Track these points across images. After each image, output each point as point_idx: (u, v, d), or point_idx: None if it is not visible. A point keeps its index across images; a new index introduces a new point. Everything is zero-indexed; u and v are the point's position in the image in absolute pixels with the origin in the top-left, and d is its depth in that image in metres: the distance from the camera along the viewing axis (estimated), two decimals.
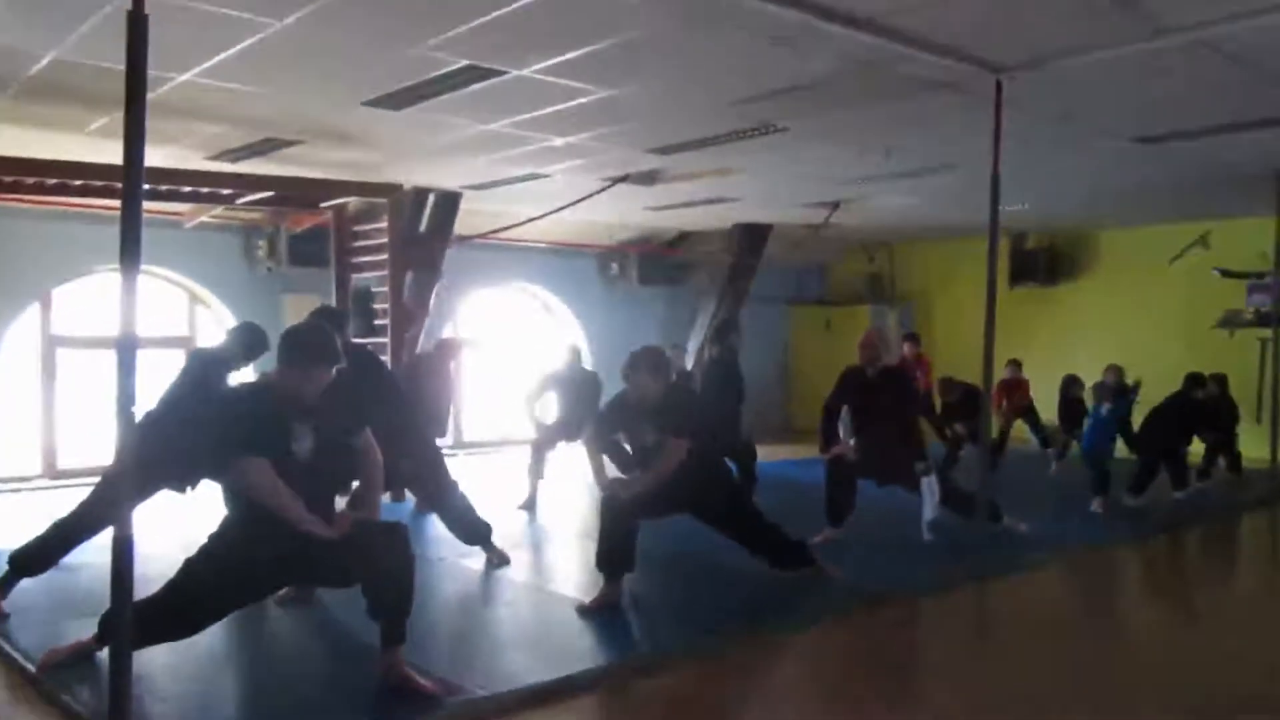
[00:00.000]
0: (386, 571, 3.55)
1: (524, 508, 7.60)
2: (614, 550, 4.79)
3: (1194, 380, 8.10)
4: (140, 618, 3.10)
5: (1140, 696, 3.88)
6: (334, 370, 3.61)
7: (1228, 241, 11.00)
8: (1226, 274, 10.89)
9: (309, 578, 4.04)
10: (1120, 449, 7.88)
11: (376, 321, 8.65)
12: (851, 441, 6.37)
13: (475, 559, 5.80)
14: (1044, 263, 12.32)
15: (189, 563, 3.56)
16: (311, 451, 3.56)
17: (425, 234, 9.38)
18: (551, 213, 9.38)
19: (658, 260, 12.55)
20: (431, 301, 9.67)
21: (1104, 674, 4.11)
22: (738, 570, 5.39)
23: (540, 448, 7.77)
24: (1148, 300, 11.66)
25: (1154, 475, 7.76)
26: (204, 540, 3.62)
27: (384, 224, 8.36)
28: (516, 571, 5.63)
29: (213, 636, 4.02)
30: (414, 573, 3.62)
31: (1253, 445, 9.56)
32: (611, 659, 4.17)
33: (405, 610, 3.61)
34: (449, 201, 9.34)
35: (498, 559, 5.76)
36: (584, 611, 4.71)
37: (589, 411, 7.67)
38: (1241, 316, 10.89)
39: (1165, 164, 7.74)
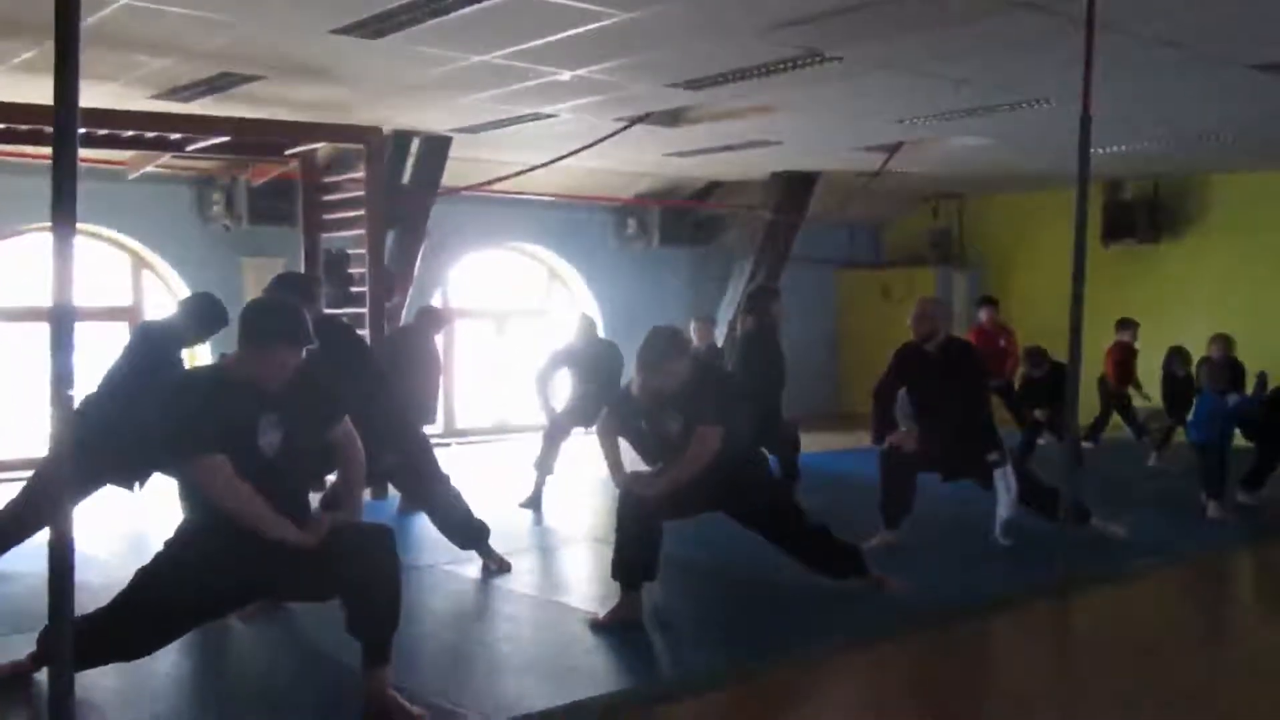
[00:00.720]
0: (369, 582, 3.58)
1: (527, 506, 7.65)
2: (633, 557, 4.82)
3: None
4: (83, 635, 3.15)
5: None
6: (303, 352, 3.63)
7: None
8: None
9: (280, 591, 4.08)
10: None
11: (353, 289, 8.67)
12: (910, 429, 6.36)
13: (470, 565, 5.85)
14: (1144, 216, 12.21)
15: (141, 573, 3.61)
16: (280, 446, 3.59)
17: (409, 186, 9.38)
18: (557, 160, 9.37)
19: (682, 216, 12.51)
20: (417, 266, 9.69)
21: (1212, 705, 4.10)
22: (777, 580, 5.40)
23: (553, 437, 7.80)
24: (1268, 260, 11.54)
25: (1274, 468, 7.72)
26: (159, 547, 3.66)
27: (360, 175, 8.36)
28: (518, 580, 5.68)
29: (167, 657, 4.07)
30: (400, 583, 3.65)
31: None
32: (628, 683, 4.20)
33: (391, 626, 3.65)
34: (436, 148, 9.32)
35: (496, 565, 5.81)
36: (597, 627, 4.75)
37: (610, 390, 7.69)
38: None
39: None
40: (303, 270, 8.76)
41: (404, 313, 9.22)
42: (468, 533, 5.77)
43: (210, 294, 5.50)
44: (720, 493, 4.90)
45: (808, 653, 4.55)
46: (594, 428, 7.07)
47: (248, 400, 3.57)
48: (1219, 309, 11.49)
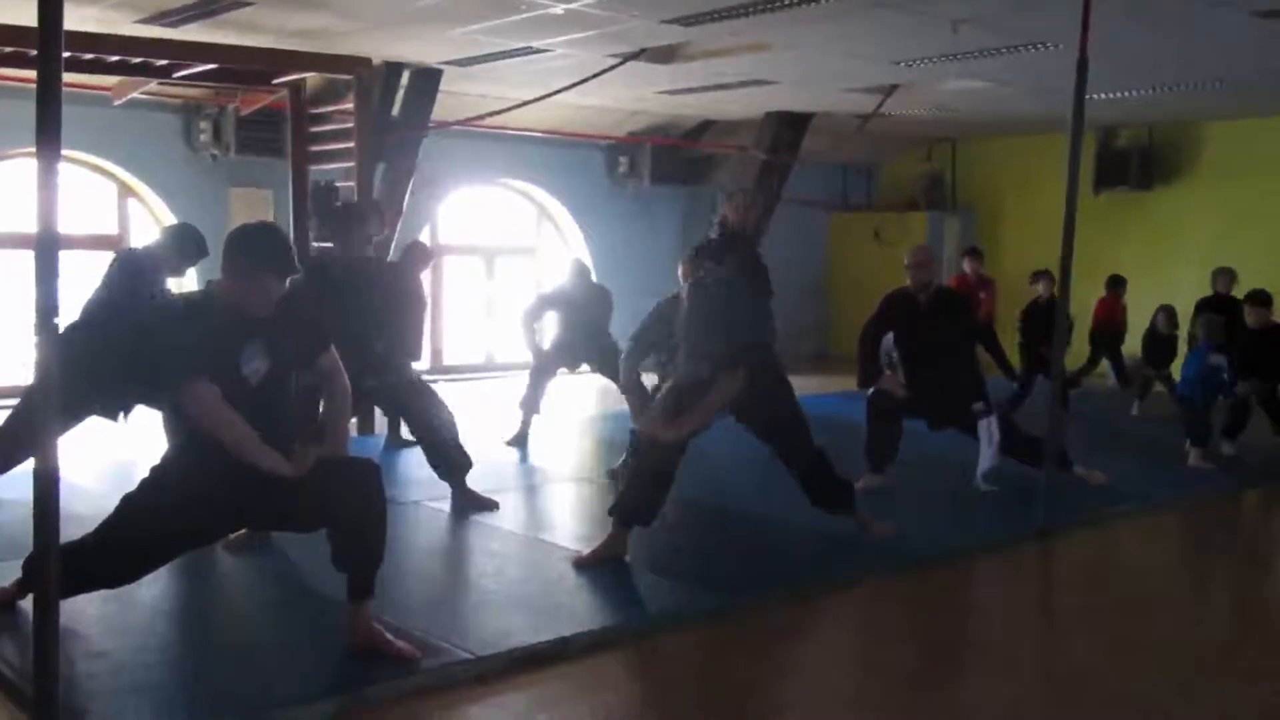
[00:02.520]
0: (355, 516, 3.59)
1: (513, 444, 7.67)
2: (641, 497, 4.80)
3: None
4: (69, 562, 3.15)
5: (1230, 678, 3.93)
6: (287, 280, 3.60)
7: None
8: None
9: (265, 521, 4.10)
10: None
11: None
12: (895, 374, 6.39)
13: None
14: (1137, 163, 12.17)
15: (127, 500, 3.61)
16: (265, 375, 3.58)
17: (398, 119, 9.30)
18: (548, 96, 9.27)
19: (675, 155, 12.43)
20: (405, 200, 9.63)
21: (1186, 651, 4.16)
22: (765, 523, 5.45)
23: (538, 376, 7.80)
24: (1261, 209, 11.52)
25: (1249, 414, 7.77)
26: (144, 475, 3.66)
27: (349, 106, 8.28)
28: (504, 518, 5.71)
29: (152, 586, 4.10)
30: (385, 517, 3.66)
31: None
32: (613, 620, 4.24)
33: (376, 560, 3.66)
34: (427, 80, 9.23)
35: (474, 506, 5.83)
36: (581, 565, 4.78)
37: (596, 335, 7.69)
38: None
39: None
40: (292, 200, 8.71)
41: (392, 248, 9.17)
42: (450, 463, 5.79)
43: (189, 224, 5.46)
44: (741, 400, 4.86)
45: (792, 593, 4.59)
46: (581, 368, 7.08)
47: (232, 328, 3.55)
48: (1210, 255, 11.46)
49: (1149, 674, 3.88)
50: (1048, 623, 4.63)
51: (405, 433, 7.41)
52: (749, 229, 7.92)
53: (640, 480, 4.84)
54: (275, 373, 3.62)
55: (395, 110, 9.26)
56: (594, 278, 8.76)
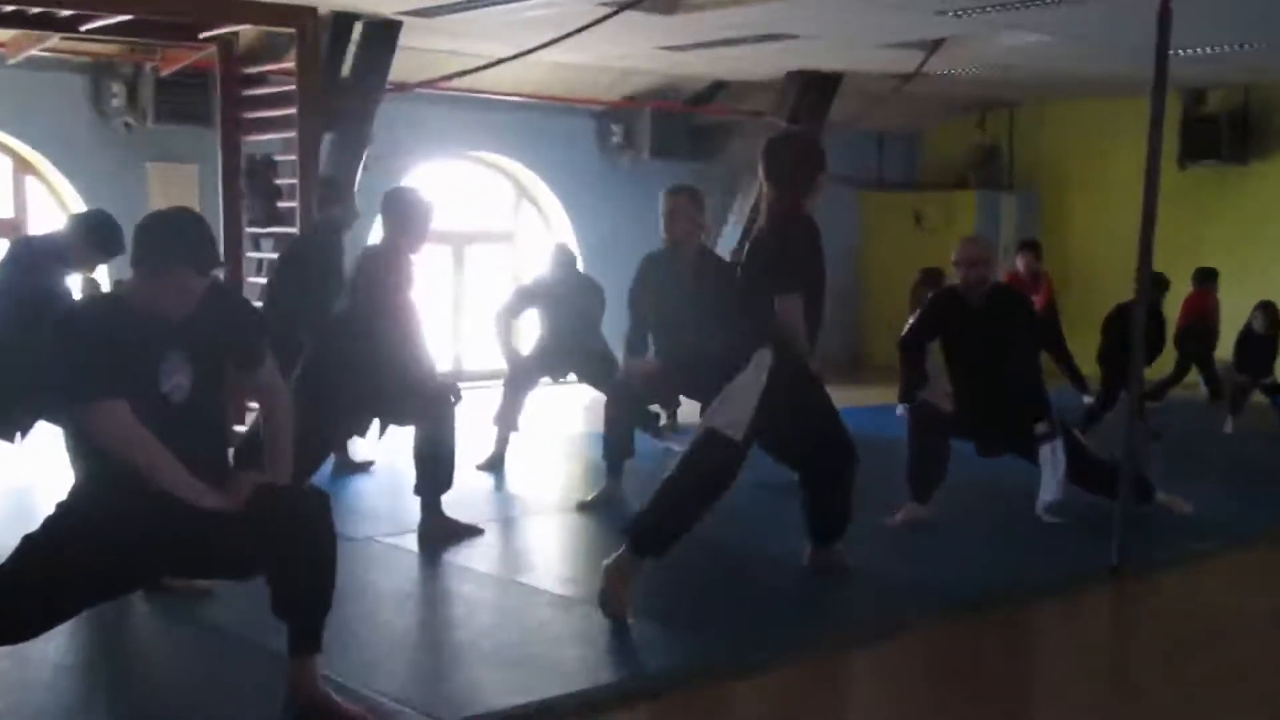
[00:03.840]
0: (300, 556, 3.58)
1: (487, 468, 7.68)
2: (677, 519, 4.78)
3: None
4: None
5: None
6: (209, 274, 3.59)
7: None
8: None
9: (193, 567, 4.06)
10: None
11: (280, 203, 8.62)
12: (943, 385, 6.40)
13: (415, 538, 5.86)
14: (1230, 132, 12.20)
15: (27, 541, 3.61)
16: (189, 390, 3.58)
17: (349, 80, 9.32)
18: (529, 52, 9.28)
19: (679, 123, 12.44)
20: (358, 176, 9.64)
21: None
22: (783, 557, 5.44)
23: (516, 386, 7.81)
24: None
25: None
26: (50, 511, 3.66)
27: (290, 65, 8.29)
28: (475, 556, 5.70)
29: (56, 641, 4.07)
30: (335, 558, 3.67)
31: None
32: (604, 678, 4.23)
33: (323, 607, 3.67)
34: (383, 34, 9.24)
35: (446, 532, 5.84)
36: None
37: (583, 337, 7.69)
38: None
39: None
40: (221, 176, 8.72)
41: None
42: (437, 481, 5.86)
43: (102, 210, 5.46)
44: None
45: (819, 642, 4.60)
46: (568, 378, 7.14)
47: (148, 335, 3.54)
48: None
49: None
50: (1119, 680, 4.63)
51: (359, 453, 7.42)
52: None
53: (682, 493, 4.75)
54: (201, 388, 3.62)
55: (345, 70, 9.28)
56: (581, 267, 8.79)
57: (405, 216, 5.78)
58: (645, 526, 4.71)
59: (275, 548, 3.58)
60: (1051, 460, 6.19)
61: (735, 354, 4.81)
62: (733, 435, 4.73)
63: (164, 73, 9.45)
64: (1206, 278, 10.29)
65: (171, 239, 3.56)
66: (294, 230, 8.07)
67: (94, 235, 5.29)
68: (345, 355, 5.66)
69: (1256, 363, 9.69)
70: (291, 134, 8.30)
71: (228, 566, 3.78)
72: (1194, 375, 10.41)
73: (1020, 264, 10.39)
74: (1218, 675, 4.50)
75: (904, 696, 4.34)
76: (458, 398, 6.01)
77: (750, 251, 5.07)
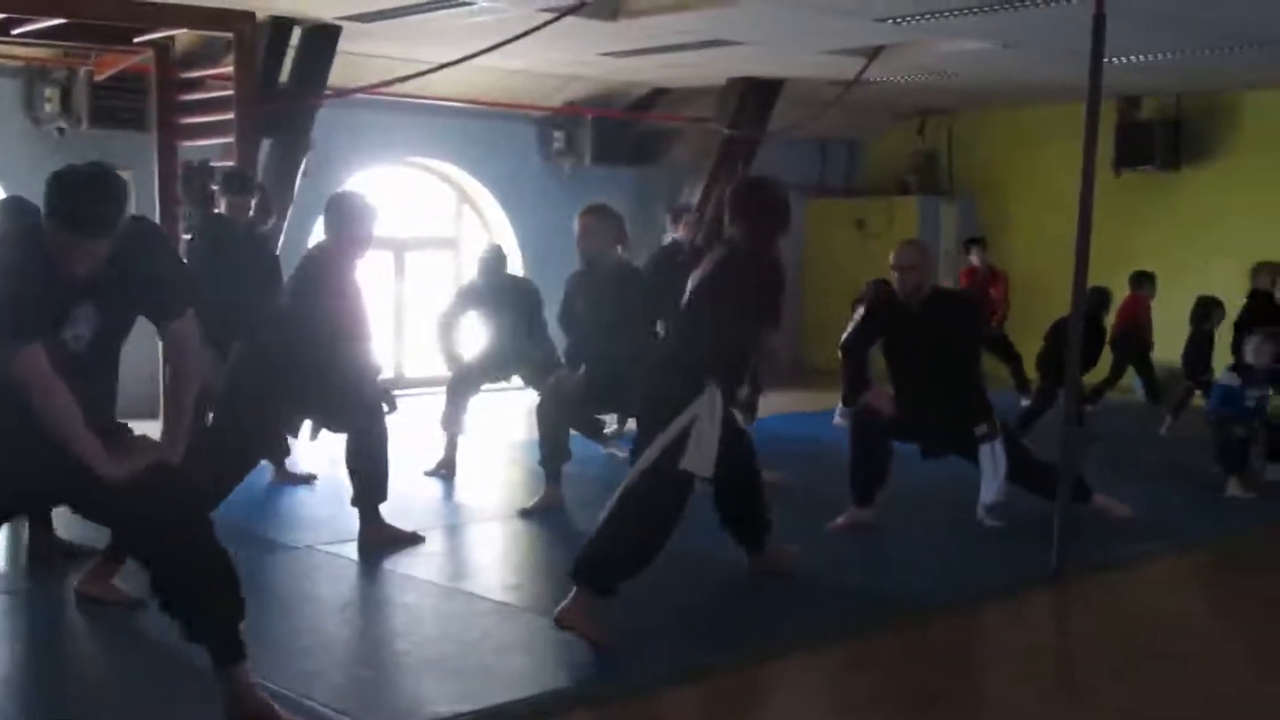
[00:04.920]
0: (171, 560, 3.54)
1: (438, 473, 7.64)
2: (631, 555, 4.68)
3: None
4: None
5: None
6: (105, 242, 3.46)
7: None
8: None
9: (88, 508, 3.86)
10: None
11: (217, 210, 8.53)
12: (886, 389, 6.44)
13: (355, 546, 5.83)
14: (1163, 138, 12.38)
15: None
16: (88, 341, 3.52)
17: (288, 86, 9.26)
18: (469, 58, 9.24)
19: (621, 130, 12.45)
20: (297, 183, 9.57)
21: (1229, 713, 4.22)
22: (728, 564, 5.45)
23: (459, 391, 7.77)
24: None
25: None
26: None
27: (228, 70, 8.22)
28: (418, 564, 5.66)
29: None
30: (226, 555, 3.60)
31: None
32: (549, 686, 4.21)
33: (226, 614, 3.60)
34: (322, 39, 9.19)
35: (387, 540, 5.80)
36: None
37: (522, 339, 7.67)
38: None
39: None
40: (158, 182, 8.62)
41: (281, 239, 9.12)
42: (374, 488, 5.83)
43: (21, 198, 5.40)
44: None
45: (763, 648, 4.60)
46: (512, 380, 7.13)
47: (62, 284, 3.47)
48: (1249, 246, 11.69)
49: None
50: (1060, 684, 4.67)
51: (299, 465, 7.36)
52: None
53: (642, 529, 4.61)
54: (101, 337, 3.56)
55: (284, 75, 9.23)
56: (522, 270, 8.76)
57: (348, 221, 5.73)
58: (599, 566, 4.55)
59: (146, 546, 3.59)
60: (992, 461, 6.25)
61: (675, 383, 4.71)
62: (706, 474, 4.68)
63: (99, 77, 9.33)
64: (1141, 282, 10.42)
65: (62, 199, 3.44)
66: None
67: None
68: (280, 351, 5.59)
69: (1200, 363, 9.65)
70: (229, 139, 8.24)
71: (109, 520, 3.79)
72: (1132, 378, 10.55)
73: (976, 259, 10.49)
74: (1161, 678, 4.54)
75: (845, 703, 4.35)
76: (391, 408, 5.97)
77: (711, 281, 4.88)
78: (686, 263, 6.22)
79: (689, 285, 4.92)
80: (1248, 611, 5.66)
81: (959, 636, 5.07)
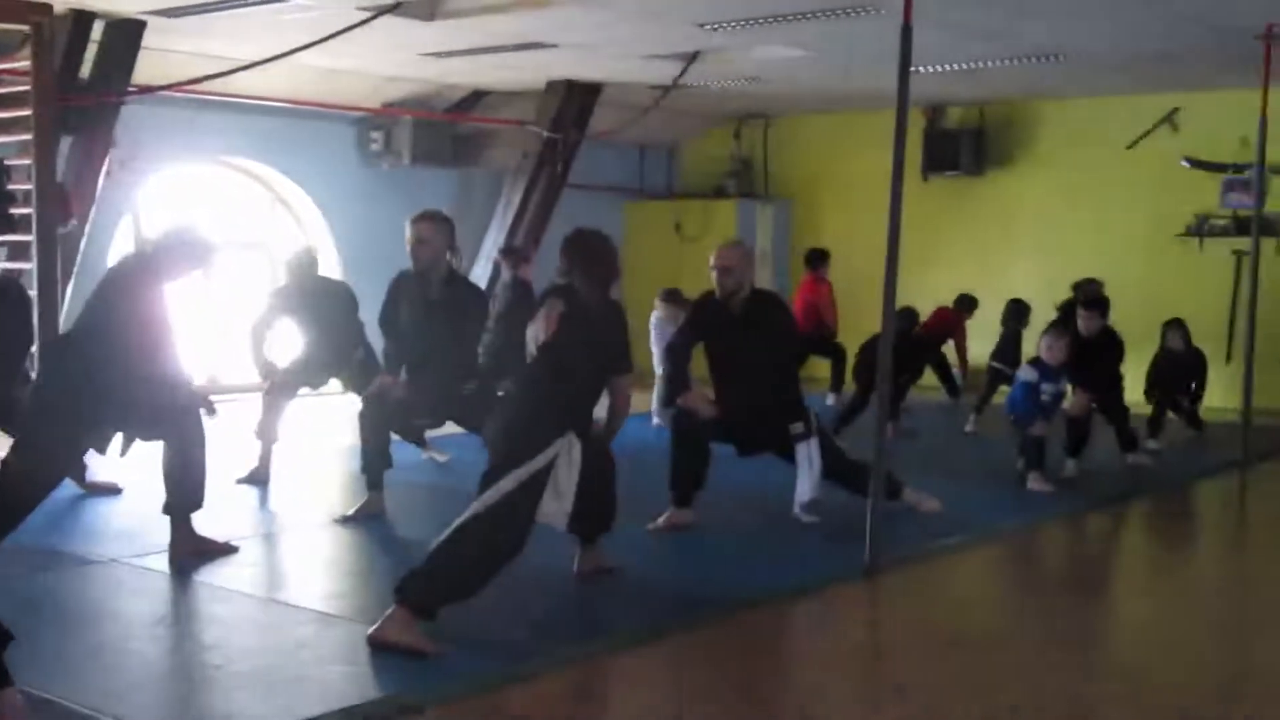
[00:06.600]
0: None
1: (250, 481, 7.47)
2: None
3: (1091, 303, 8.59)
4: None
5: None
6: None
7: (1200, 121, 11.80)
8: (1197, 165, 11.69)
9: None
10: None
11: (13, 211, 8.23)
12: (705, 391, 6.54)
13: (165, 559, 5.66)
14: (968, 146, 12.89)
15: None
16: None
17: (89, 82, 9.05)
18: (283, 56, 9.08)
19: (441, 131, 12.37)
20: (100, 183, 9.29)
21: (1029, 698, 4.40)
22: (547, 573, 5.45)
23: (273, 399, 7.60)
24: (1099, 196, 12.35)
25: (1089, 429, 8.29)
26: None
27: (24, 64, 7.94)
28: (231, 575, 5.54)
29: None
30: None
31: (1220, 392, 10.36)
32: (365, 696, 4.15)
33: None
34: (126, 34, 8.99)
35: (198, 551, 5.67)
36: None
37: (339, 342, 7.54)
38: (1212, 222, 11.74)
39: (1129, 13, 8.19)
40: None
41: (83, 241, 8.84)
42: (190, 495, 5.68)
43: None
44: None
45: (583, 651, 4.62)
46: (328, 385, 7.03)
47: None
48: (1046, 246, 12.26)
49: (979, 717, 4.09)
50: (874, 673, 4.81)
51: (99, 474, 7.11)
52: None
53: (473, 562, 4.60)
54: None
55: (85, 71, 8.99)
56: (335, 270, 8.62)
57: (174, 246, 5.63)
58: (426, 589, 4.53)
59: None
60: (808, 459, 6.40)
61: (536, 420, 4.85)
62: (560, 527, 4.86)
63: None
64: (965, 304, 10.85)
65: None
66: (29, 238, 7.70)
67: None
68: (83, 367, 5.39)
69: (1011, 359, 10.06)
70: (26, 138, 7.97)
71: None
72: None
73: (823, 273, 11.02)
74: (973, 667, 4.71)
75: (660, 702, 4.39)
76: (210, 411, 5.81)
77: (566, 330, 4.95)
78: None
79: (534, 326, 5.04)
80: (1047, 598, 5.92)
81: (774, 630, 5.18)
